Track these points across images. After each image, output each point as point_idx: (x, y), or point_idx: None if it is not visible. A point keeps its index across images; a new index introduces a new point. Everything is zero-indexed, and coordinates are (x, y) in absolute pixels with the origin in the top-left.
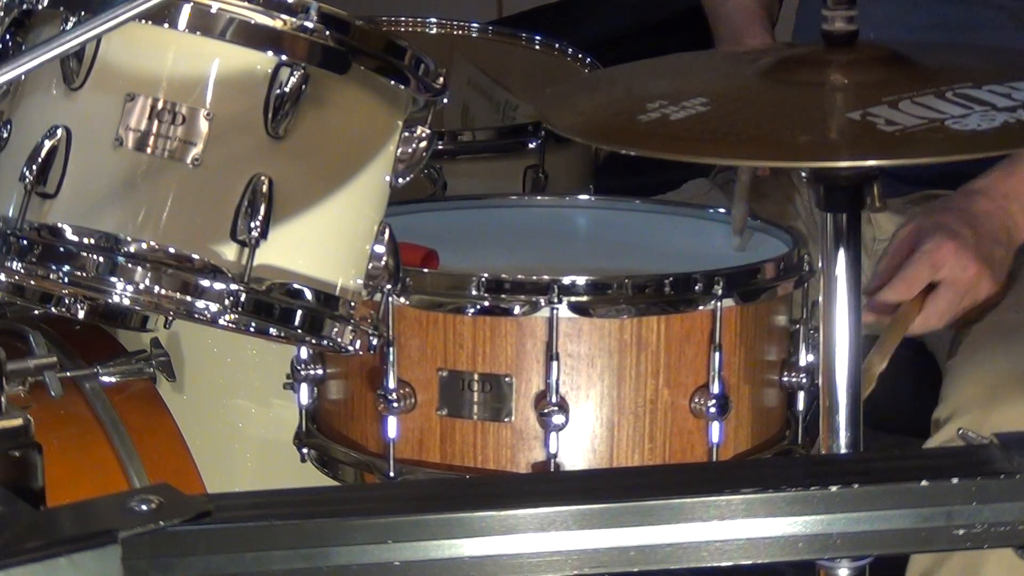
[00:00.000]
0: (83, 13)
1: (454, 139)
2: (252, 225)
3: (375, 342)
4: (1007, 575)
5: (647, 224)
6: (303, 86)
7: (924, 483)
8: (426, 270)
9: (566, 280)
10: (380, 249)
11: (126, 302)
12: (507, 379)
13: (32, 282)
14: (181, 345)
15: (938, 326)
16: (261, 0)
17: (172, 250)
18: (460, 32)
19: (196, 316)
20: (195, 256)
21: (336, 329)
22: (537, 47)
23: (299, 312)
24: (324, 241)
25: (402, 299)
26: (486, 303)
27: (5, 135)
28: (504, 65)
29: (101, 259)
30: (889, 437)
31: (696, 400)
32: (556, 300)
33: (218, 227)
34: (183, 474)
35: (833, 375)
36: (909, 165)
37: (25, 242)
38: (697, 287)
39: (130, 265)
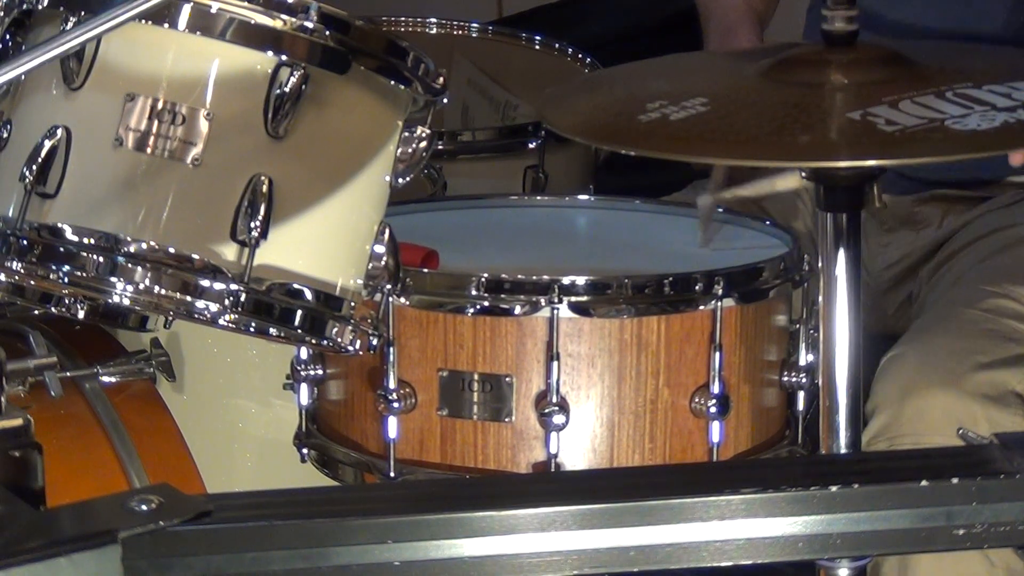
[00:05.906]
0: (83, 13)
1: (454, 139)
2: (252, 225)
3: (375, 342)
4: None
5: (647, 224)
6: (303, 86)
7: (924, 483)
8: (426, 270)
9: (566, 280)
10: (380, 249)
11: (126, 302)
12: (507, 379)
13: (32, 282)
14: (181, 345)
15: None
16: (261, 0)
17: (172, 250)
18: (460, 32)
19: (196, 316)
20: (195, 256)
21: (336, 329)
22: (537, 47)
23: (299, 312)
24: (324, 241)
25: (402, 299)
26: (486, 303)
27: (5, 135)
28: (504, 65)
29: (101, 259)
30: None
31: (696, 400)
32: (556, 300)
33: (218, 227)
34: (183, 474)
35: (833, 375)
36: (909, 165)
37: (25, 242)
38: (697, 287)
39: (130, 265)
